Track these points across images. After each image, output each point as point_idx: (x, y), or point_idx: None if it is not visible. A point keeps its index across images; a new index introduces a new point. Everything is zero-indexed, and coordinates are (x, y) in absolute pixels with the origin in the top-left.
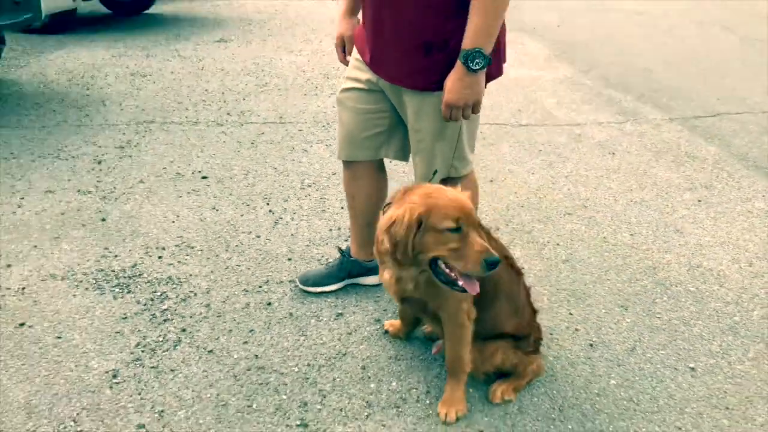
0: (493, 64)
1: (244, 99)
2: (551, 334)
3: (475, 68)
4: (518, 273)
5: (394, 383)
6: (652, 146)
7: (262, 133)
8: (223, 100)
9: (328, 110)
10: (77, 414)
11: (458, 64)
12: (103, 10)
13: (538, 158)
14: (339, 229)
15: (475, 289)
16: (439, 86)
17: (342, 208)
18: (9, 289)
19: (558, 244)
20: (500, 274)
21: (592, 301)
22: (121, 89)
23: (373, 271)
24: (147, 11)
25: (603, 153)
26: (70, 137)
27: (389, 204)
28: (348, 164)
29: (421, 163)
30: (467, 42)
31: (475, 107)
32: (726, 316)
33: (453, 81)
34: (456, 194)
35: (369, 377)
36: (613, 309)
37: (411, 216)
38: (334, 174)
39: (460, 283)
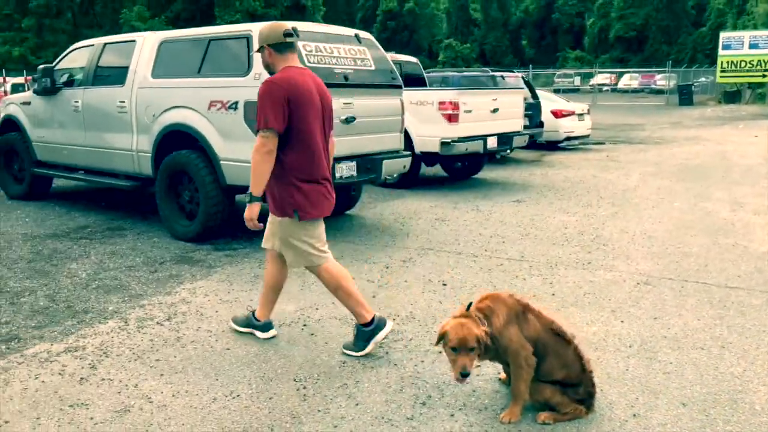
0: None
1: (503, 242)
2: None
3: (247, 200)
4: (567, 341)
5: (486, 401)
6: None
7: (501, 264)
8: (487, 240)
9: (565, 256)
10: None
11: None
12: (442, 173)
13: None
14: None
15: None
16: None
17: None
18: None
19: None
20: (546, 339)
21: None
22: (423, 227)
23: (263, 328)
24: (475, 176)
25: None
26: (377, 251)
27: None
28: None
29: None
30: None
31: (250, 222)
32: None
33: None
34: (466, 327)
35: (486, 402)
36: None
37: (439, 331)
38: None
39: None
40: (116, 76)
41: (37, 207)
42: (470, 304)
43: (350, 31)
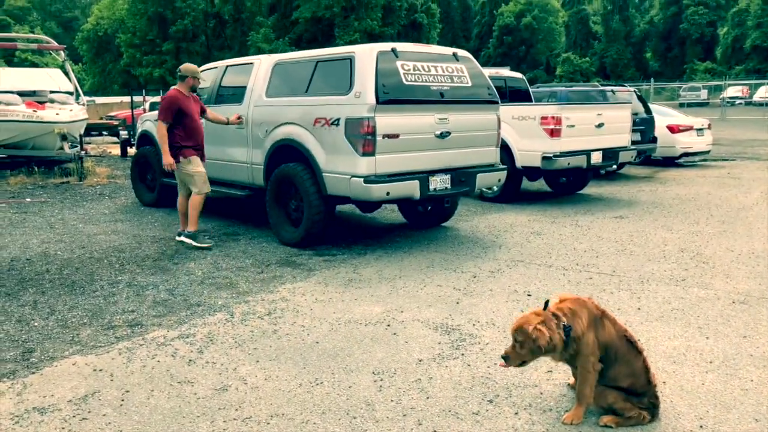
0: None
1: (597, 257)
2: None
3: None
4: (638, 350)
5: (552, 402)
6: None
7: (590, 278)
8: (581, 255)
9: (659, 272)
10: None
11: None
12: (546, 188)
13: None
14: None
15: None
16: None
17: None
18: None
19: None
20: (618, 346)
21: None
22: (517, 240)
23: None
24: (579, 191)
25: None
26: (466, 261)
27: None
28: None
29: None
30: None
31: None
32: None
33: None
34: (527, 320)
35: (551, 404)
36: None
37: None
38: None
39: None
40: (236, 95)
41: (165, 213)
42: (547, 302)
43: (448, 50)
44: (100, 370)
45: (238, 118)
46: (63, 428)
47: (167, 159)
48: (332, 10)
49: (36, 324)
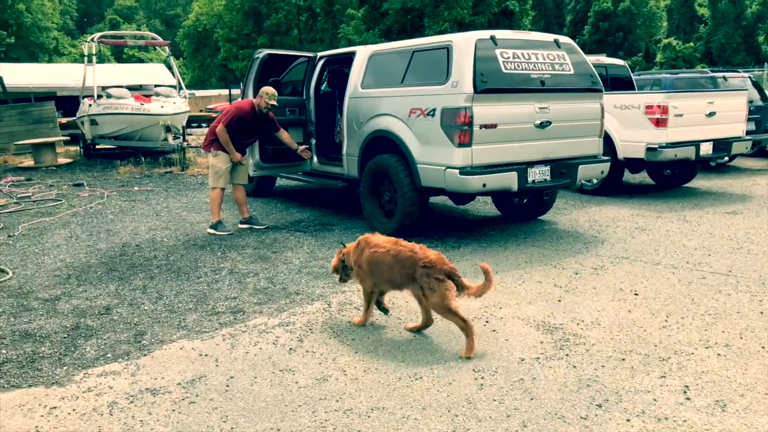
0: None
1: (709, 255)
2: None
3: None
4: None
5: (667, 411)
6: None
7: (703, 278)
8: (691, 252)
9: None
10: None
11: None
12: (649, 181)
13: None
14: None
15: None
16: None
17: None
18: None
19: None
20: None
21: None
22: (620, 236)
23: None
24: (686, 185)
25: None
26: (567, 257)
27: None
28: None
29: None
30: None
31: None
32: None
33: None
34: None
35: (666, 412)
36: None
37: None
38: (702, 314)
39: None
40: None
41: (263, 203)
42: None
43: (549, 37)
44: (206, 355)
45: (304, 150)
46: (173, 410)
47: (236, 156)
48: (422, 0)
49: (146, 308)
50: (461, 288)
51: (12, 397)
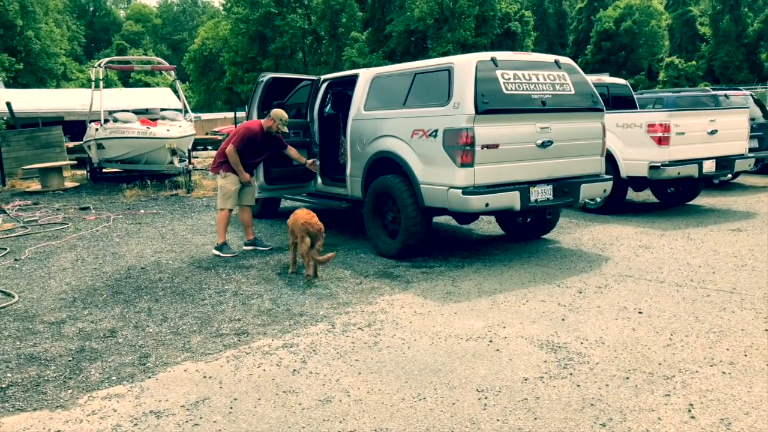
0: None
1: (714, 272)
2: None
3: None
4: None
5: (671, 429)
6: None
7: (707, 295)
8: (695, 270)
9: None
10: None
11: None
12: (652, 199)
13: None
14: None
15: None
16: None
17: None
18: None
19: None
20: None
21: None
22: (624, 254)
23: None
24: (689, 202)
25: None
26: (570, 276)
27: None
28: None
29: None
30: None
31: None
32: None
33: None
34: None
35: (670, 431)
36: None
37: None
38: (713, 331)
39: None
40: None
41: (268, 224)
42: None
43: (550, 58)
44: (210, 377)
45: (312, 163)
46: None
47: (245, 176)
48: (425, 23)
49: (151, 330)
50: (313, 245)
51: (17, 421)
